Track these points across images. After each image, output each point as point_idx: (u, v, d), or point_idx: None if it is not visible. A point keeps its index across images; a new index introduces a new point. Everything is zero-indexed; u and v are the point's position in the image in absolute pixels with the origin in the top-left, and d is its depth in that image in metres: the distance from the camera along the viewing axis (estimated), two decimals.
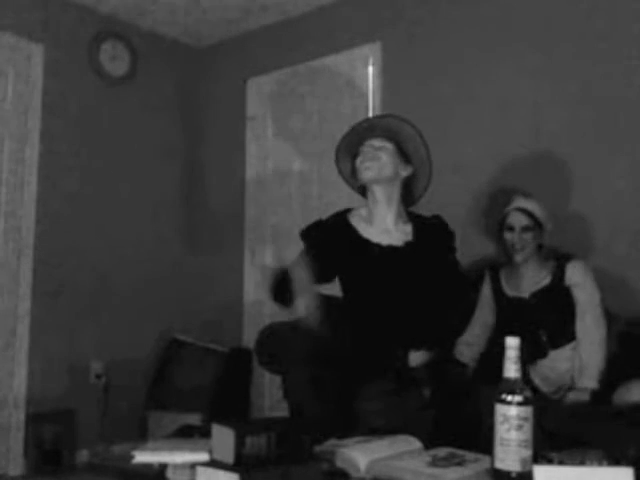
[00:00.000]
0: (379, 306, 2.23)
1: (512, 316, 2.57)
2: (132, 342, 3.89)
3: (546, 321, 2.52)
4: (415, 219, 2.38)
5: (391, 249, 2.28)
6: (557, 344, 2.50)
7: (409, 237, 2.32)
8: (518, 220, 2.57)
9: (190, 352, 3.86)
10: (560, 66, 2.97)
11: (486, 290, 2.71)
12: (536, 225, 2.57)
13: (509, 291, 2.64)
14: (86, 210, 3.80)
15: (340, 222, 2.37)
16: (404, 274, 2.25)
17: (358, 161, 2.31)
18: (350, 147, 2.37)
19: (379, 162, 2.27)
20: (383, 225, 2.33)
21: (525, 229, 2.56)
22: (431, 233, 2.34)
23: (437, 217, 2.41)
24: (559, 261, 2.58)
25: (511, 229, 2.59)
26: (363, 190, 2.41)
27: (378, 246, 2.29)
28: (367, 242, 2.30)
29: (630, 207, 2.76)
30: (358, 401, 2.11)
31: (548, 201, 2.71)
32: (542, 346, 2.50)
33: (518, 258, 2.57)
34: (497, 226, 2.68)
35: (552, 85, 2.99)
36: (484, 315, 2.68)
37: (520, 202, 2.61)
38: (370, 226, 2.34)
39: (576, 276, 2.52)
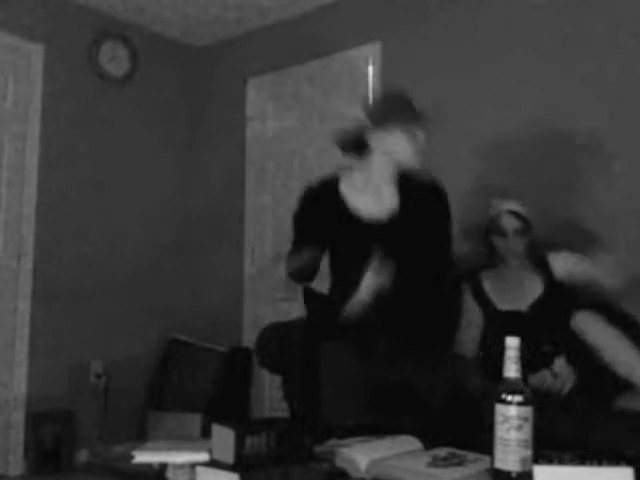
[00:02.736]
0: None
1: (508, 332, 2.41)
2: (132, 342, 3.89)
3: (549, 331, 2.37)
4: (403, 181, 2.32)
5: (375, 223, 2.26)
6: (562, 351, 2.32)
7: (394, 203, 2.29)
8: (510, 223, 2.45)
9: (190, 352, 3.86)
10: (561, 66, 2.97)
11: (470, 304, 2.51)
12: (527, 227, 2.46)
13: (501, 304, 2.47)
14: (86, 210, 3.80)
15: (330, 192, 2.34)
16: (388, 249, 2.18)
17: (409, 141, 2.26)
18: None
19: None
20: (375, 189, 2.31)
21: (518, 232, 2.45)
22: (418, 199, 2.29)
23: (432, 182, 2.35)
24: (538, 261, 2.47)
25: (502, 234, 2.46)
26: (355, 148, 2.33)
27: (362, 220, 2.28)
28: (352, 215, 2.29)
29: None
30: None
31: (551, 203, 2.69)
32: (545, 357, 2.31)
33: (513, 263, 2.46)
34: (483, 230, 2.54)
35: (553, 84, 2.99)
36: (476, 320, 2.50)
37: (509, 204, 2.49)
38: (362, 193, 2.31)
39: (563, 266, 2.42)
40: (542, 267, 2.47)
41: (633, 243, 2.67)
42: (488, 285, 2.53)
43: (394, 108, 2.29)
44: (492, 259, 2.55)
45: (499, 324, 2.47)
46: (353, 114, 2.30)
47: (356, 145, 2.30)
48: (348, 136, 2.30)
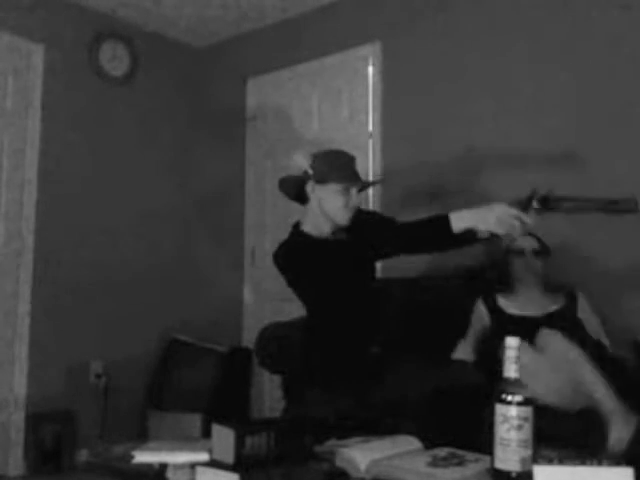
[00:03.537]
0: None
1: (519, 333, 2.45)
2: (132, 342, 3.89)
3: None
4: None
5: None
6: None
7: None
8: (529, 243, 2.51)
9: (190, 352, 3.86)
10: (561, 66, 2.97)
11: (481, 312, 2.56)
12: (544, 249, 2.53)
13: (514, 310, 2.51)
14: (86, 210, 3.80)
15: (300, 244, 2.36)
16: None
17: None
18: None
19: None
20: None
21: (536, 253, 2.51)
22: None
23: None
24: (567, 292, 2.51)
25: (520, 253, 2.52)
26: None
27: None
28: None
29: None
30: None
31: None
32: None
33: (530, 281, 2.50)
34: (503, 249, 2.58)
35: (552, 85, 2.99)
36: (476, 332, 2.55)
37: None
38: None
39: (586, 311, 2.47)
40: (568, 295, 2.51)
41: None
42: (501, 298, 2.57)
43: (335, 166, 2.31)
44: (509, 278, 2.59)
45: (509, 327, 2.45)
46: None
47: (297, 193, 2.36)
48: (290, 183, 2.36)
